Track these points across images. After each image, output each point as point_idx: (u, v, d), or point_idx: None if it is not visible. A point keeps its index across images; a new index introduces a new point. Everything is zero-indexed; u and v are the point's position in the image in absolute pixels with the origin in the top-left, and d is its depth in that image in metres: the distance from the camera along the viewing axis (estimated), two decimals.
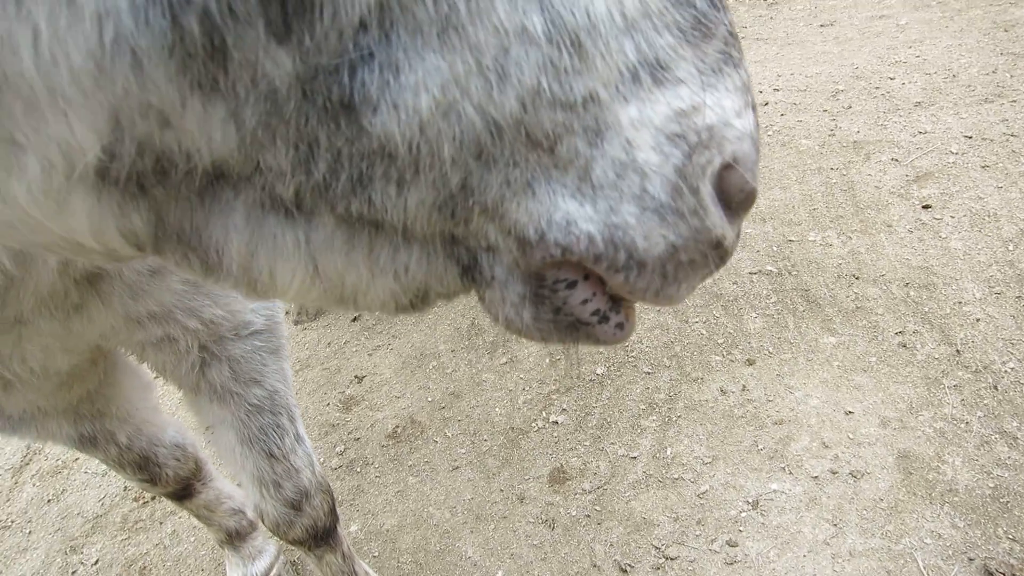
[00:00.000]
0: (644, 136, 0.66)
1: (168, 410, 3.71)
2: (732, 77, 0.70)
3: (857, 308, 3.42)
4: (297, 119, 0.60)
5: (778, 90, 5.56)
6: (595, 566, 2.69)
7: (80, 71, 0.53)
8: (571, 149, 0.65)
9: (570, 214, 0.67)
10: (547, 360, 3.61)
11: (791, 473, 2.83)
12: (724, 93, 0.68)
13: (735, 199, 0.71)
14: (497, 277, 0.75)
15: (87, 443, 1.92)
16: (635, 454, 3.05)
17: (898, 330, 3.27)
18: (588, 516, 2.87)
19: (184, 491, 2.43)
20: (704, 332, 3.50)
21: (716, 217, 0.70)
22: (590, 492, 2.96)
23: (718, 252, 0.73)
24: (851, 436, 2.89)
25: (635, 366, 3.42)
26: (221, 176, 0.66)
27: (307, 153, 0.63)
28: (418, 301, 0.78)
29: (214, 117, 0.59)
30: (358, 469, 3.34)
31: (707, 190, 0.68)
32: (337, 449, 3.46)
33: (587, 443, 3.15)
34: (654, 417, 3.18)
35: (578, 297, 0.76)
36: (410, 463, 3.31)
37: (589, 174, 0.66)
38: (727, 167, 0.69)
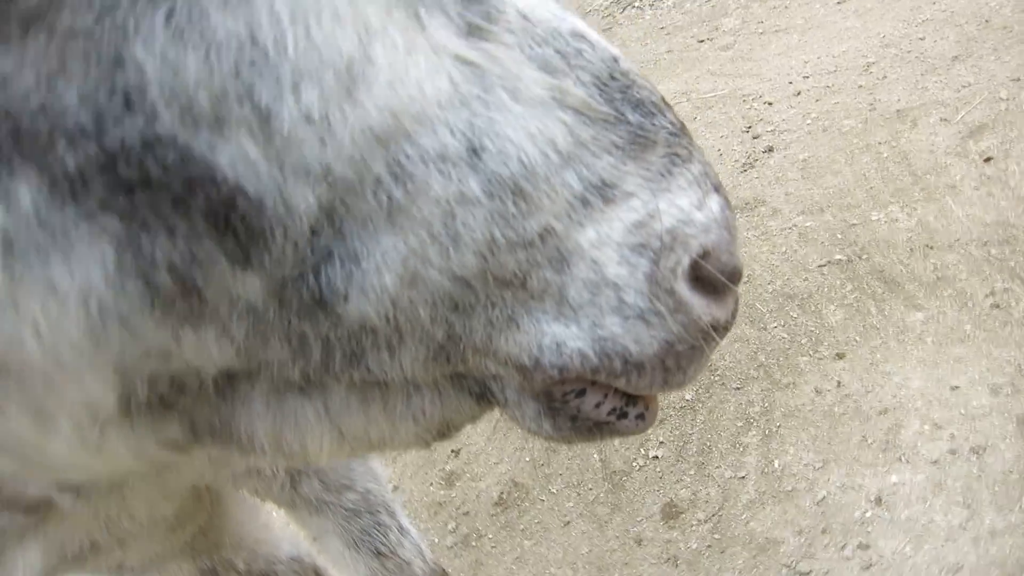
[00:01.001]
0: (608, 253, 0.68)
1: (280, 523, 3.82)
2: (683, 175, 0.71)
3: (939, 279, 3.30)
4: (280, 322, 0.65)
5: (807, 77, 5.49)
6: None
7: (79, 344, 0.59)
8: (541, 280, 0.68)
9: (557, 336, 0.70)
10: None
11: (908, 462, 2.72)
12: (678, 193, 0.70)
13: (717, 284, 0.72)
14: (510, 399, 0.78)
15: None
16: (743, 474, 2.98)
17: (987, 292, 3.13)
18: (709, 546, 2.81)
19: None
20: (785, 336, 3.42)
21: (700, 309, 0.71)
22: (706, 521, 2.90)
23: (715, 334, 0.74)
24: (963, 411, 2.77)
25: (723, 384, 3.37)
26: (233, 377, 0.71)
27: (299, 344, 0.67)
28: (445, 432, 0.82)
29: (207, 339, 0.64)
30: (473, 543, 3.36)
31: (682, 288, 0.70)
32: (449, 527, 3.49)
33: (691, 472, 3.10)
34: (753, 432, 3.11)
35: (590, 403, 0.77)
36: (521, 527, 3.31)
37: (565, 298, 0.69)
38: (699, 260, 0.70)
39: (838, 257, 3.64)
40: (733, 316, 0.78)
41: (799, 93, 5.30)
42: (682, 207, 0.70)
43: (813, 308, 3.47)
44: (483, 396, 0.79)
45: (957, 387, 2.86)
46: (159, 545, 1.65)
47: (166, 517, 1.51)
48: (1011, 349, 2.88)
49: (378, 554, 1.92)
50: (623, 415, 0.79)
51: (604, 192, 0.68)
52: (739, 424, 3.17)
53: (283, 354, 0.67)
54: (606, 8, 7.01)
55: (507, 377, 0.75)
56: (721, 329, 0.75)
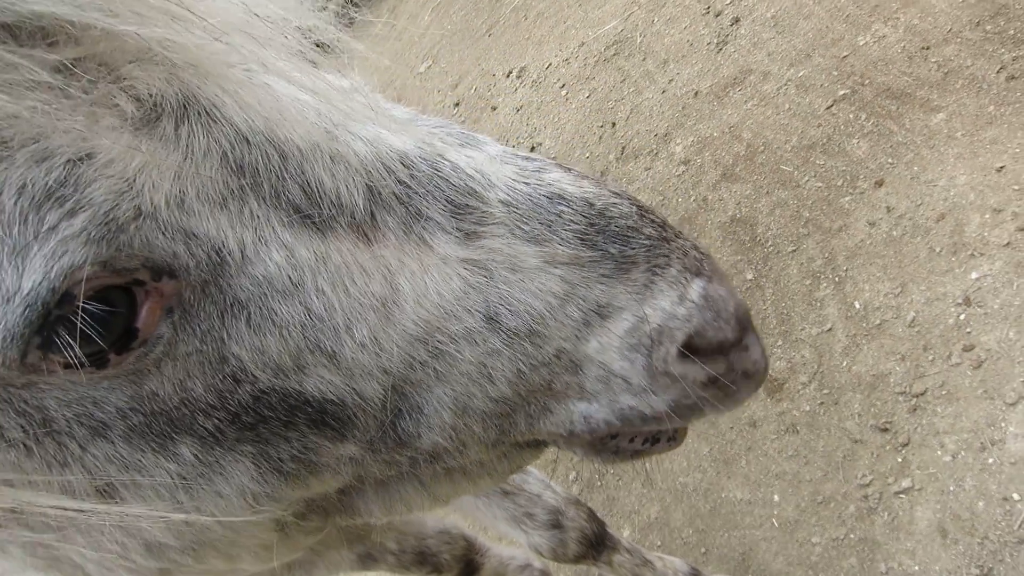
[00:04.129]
0: (611, 355, 0.90)
1: None
2: (662, 280, 0.90)
3: (946, 74, 3.27)
4: (375, 459, 0.92)
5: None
6: (857, 441, 2.67)
7: (245, 519, 0.90)
8: (562, 383, 0.92)
9: (584, 411, 0.94)
10: None
11: (982, 254, 2.72)
12: (660, 297, 0.90)
13: (713, 351, 0.91)
14: (560, 446, 1.03)
15: (368, 560, 2.13)
16: (828, 326, 3.01)
17: (997, 68, 3.10)
18: (821, 403, 2.85)
19: (468, 568, 2.55)
20: (820, 184, 3.42)
21: (695, 374, 0.92)
22: (809, 383, 2.93)
23: (742, 379, 0.95)
24: (1016, 187, 2.76)
25: (777, 252, 3.38)
26: (348, 486, 0.98)
27: (392, 463, 0.94)
28: (516, 472, 1.11)
29: (326, 480, 0.92)
30: (598, 483, 3.43)
31: (675, 368, 0.90)
32: (570, 476, 3.56)
33: (779, 343, 3.13)
34: (824, 285, 3.13)
35: (624, 441, 1.01)
36: None
37: (584, 389, 0.92)
38: (690, 342, 0.90)
39: (842, 92, 3.61)
40: (758, 363, 0.96)
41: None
42: (664, 308, 0.89)
43: (836, 148, 3.46)
44: (538, 446, 1.04)
45: (1002, 167, 2.84)
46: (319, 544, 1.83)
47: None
48: None
49: (506, 494, 2.05)
50: (655, 441, 1.03)
51: (600, 311, 0.89)
52: (807, 283, 3.18)
53: (380, 469, 0.94)
54: None
55: (553, 438, 1.01)
56: (741, 373, 0.94)
